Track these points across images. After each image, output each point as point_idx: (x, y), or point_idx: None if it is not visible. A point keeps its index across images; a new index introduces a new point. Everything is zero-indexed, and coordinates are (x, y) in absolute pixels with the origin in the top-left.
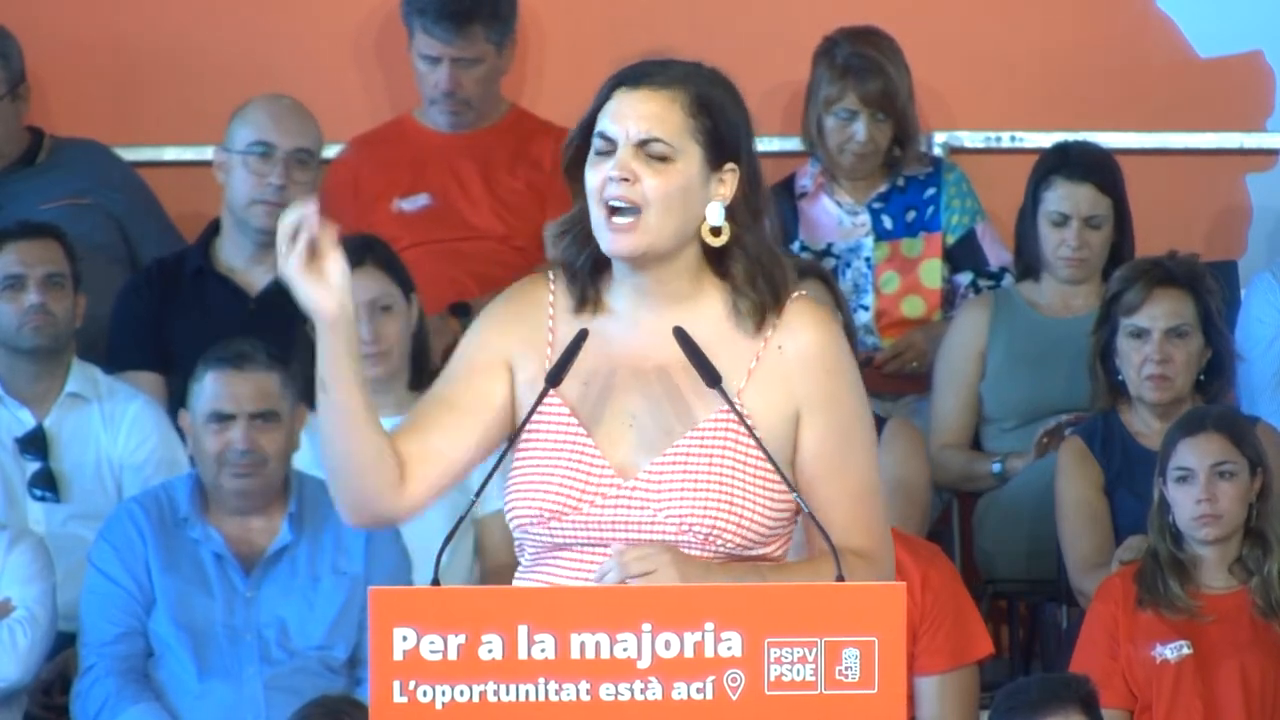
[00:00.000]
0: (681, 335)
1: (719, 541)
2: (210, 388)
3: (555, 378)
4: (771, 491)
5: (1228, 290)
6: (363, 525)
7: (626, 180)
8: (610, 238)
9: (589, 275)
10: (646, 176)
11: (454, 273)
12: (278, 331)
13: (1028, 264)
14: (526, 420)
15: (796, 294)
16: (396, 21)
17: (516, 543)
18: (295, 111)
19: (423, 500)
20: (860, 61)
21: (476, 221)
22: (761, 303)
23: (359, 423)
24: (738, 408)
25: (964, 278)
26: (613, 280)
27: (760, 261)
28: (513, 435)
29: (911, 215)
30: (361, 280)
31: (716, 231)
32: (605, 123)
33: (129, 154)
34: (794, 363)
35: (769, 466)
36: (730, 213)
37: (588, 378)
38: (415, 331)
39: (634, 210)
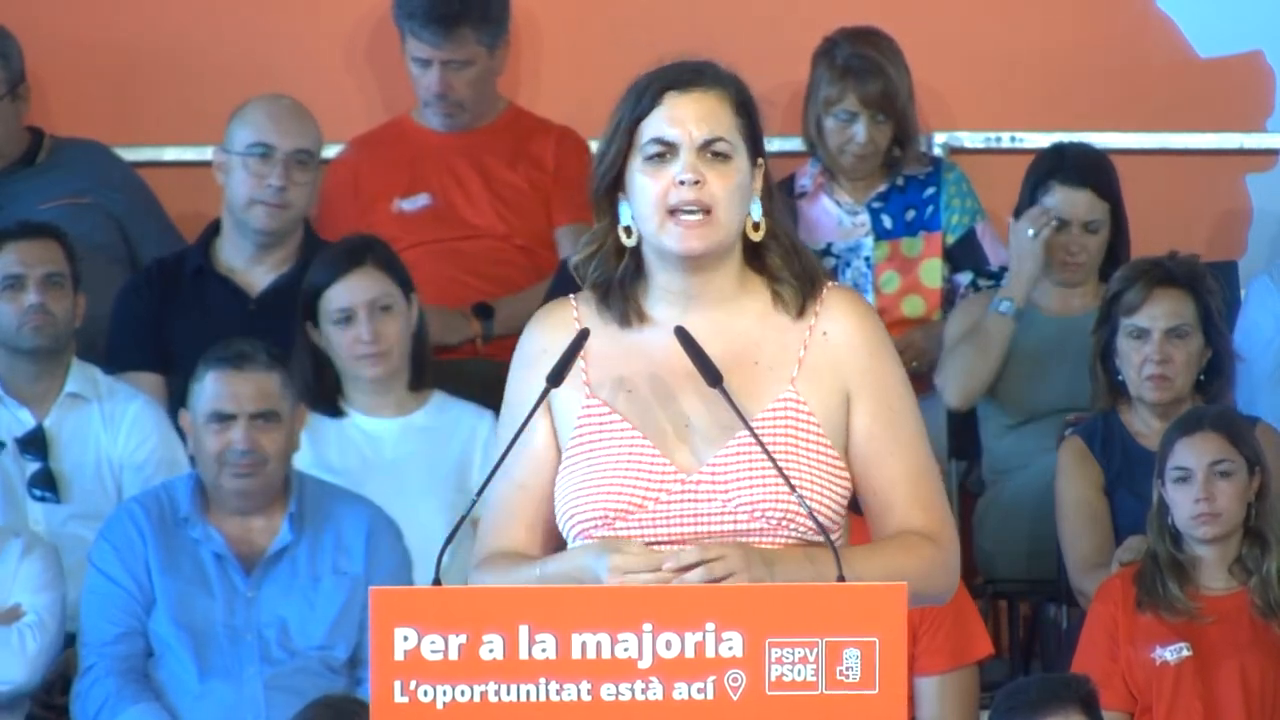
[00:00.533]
0: (682, 334)
1: (790, 527)
2: (211, 388)
3: (556, 378)
4: (834, 476)
5: (1228, 291)
6: None
7: (698, 183)
8: (681, 235)
9: (625, 289)
10: (712, 178)
11: (455, 272)
12: (278, 332)
13: None
14: (581, 432)
15: (831, 283)
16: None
17: (570, 548)
18: (294, 112)
19: None
20: (860, 63)
21: (477, 221)
22: (802, 288)
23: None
24: (794, 401)
25: (964, 277)
26: (649, 290)
27: (794, 249)
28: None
29: (911, 215)
30: (361, 280)
31: (757, 226)
32: (661, 127)
33: (129, 154)
34: (841, 348)
35: (829, 452)
36: (763, 207)
37: (631, 385)
38: (415, 331)
39: (704, 210)
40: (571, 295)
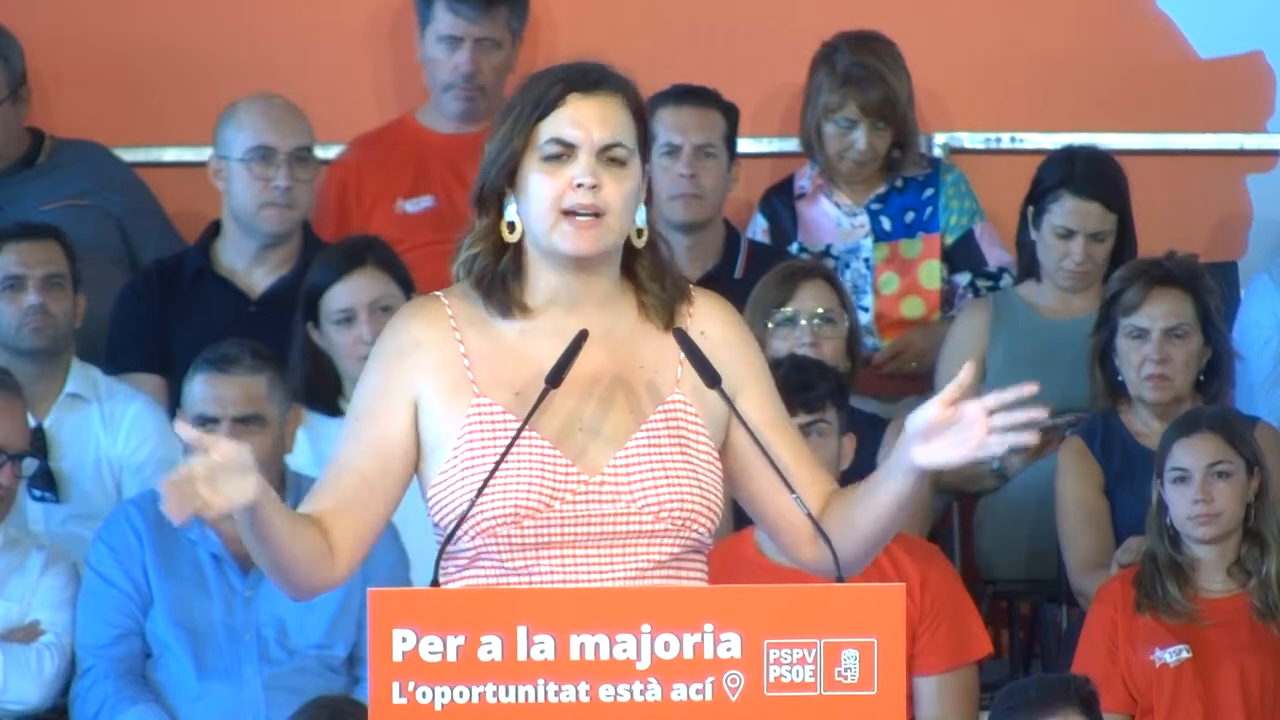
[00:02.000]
0: (682, 336)
1: (693, 527)
2: (197, 390)
3: (556, 378)
4: (719, 477)
5: (1228, 291)
6: (303, 599)
7: (595, 186)
8: (573, 235)
9: (505, 284)
10: (608, 181)
11: None
12: (278, 332)
13: (1028, 265)
14: (525, 422)
15: (692, 288)
16: (397, 21)
17: (454, 548)
18: (289, 110)
19: (355, 565)
20: (861, 71)
21: None
22: (670, 299)
23: (285, 537)
24: (682, 404)
25: (962, 278)
26: (529, 286)
27: (661, 256)
28: (456, 448)
29: (910, 216)
30: (362, 280)
31: (640, 232)
32: (562, 128)
33: (129, 154)
34: (718, 346)
35: (714, 453)
36: (646, 213)
37: (519, 387)
38: None
39: (595, 214)
40: (439, 292)
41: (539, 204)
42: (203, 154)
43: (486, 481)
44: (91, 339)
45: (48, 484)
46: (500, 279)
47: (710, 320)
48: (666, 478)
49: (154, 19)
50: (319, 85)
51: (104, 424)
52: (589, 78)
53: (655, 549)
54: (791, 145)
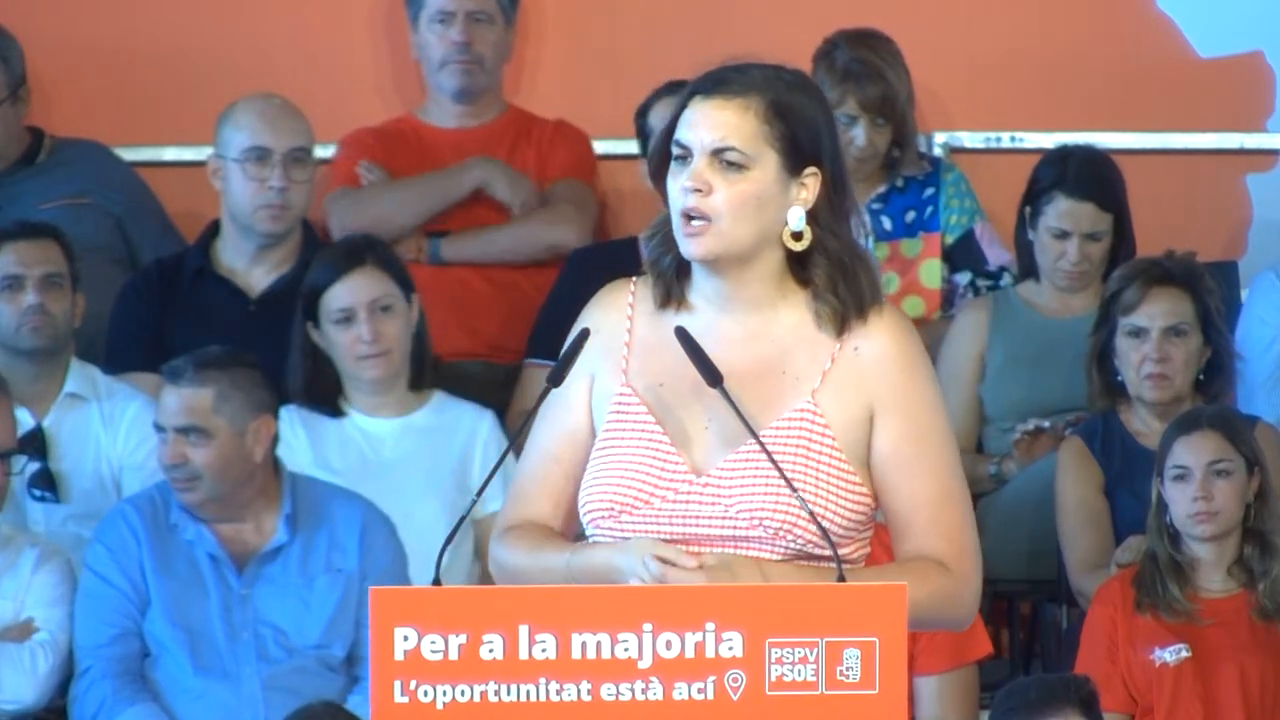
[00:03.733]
0: (682, 334)
1: (789, 537)
2: (159, 399)
3: (556, 377)
4: (846, 490)
5: (1228, 291)
6: None
7: (700, 191)
8: (684, 242)
9: (674, 275)
10: (720, 186)
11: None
12: (277, 332)
13: (1027, 265)
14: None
15: (883, 305)
16: (397, 21)
17: (590, 540)
18: (286, 111)
19: None
20: (860, 67)
21: (486, 212)
22: (843, 308)
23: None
24: (810, 412)
25: (962, 277)
26: (693, 282)
27: (843, 266)
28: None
29: (910, 216)
30: (361, 280)
31: (798, 236)
32: (682, 131)
33: (129, 154)
34: (869, 363)
35: (844, 466)
36: (812, 216)
37: (664, 379)
38: (416, 331)
39: (704, 219)
40: (634, 278)
41: (671, 205)
42: (203, 154)
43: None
44: (91, 338)
45: (47, 484)
46: (669, 270)
47: (872, 338)
48: (767, 483)
49: (154, 19)
50: (319, 85)
51: (103, 424)
52: (712, 80)
53: (754, 553)
54: None
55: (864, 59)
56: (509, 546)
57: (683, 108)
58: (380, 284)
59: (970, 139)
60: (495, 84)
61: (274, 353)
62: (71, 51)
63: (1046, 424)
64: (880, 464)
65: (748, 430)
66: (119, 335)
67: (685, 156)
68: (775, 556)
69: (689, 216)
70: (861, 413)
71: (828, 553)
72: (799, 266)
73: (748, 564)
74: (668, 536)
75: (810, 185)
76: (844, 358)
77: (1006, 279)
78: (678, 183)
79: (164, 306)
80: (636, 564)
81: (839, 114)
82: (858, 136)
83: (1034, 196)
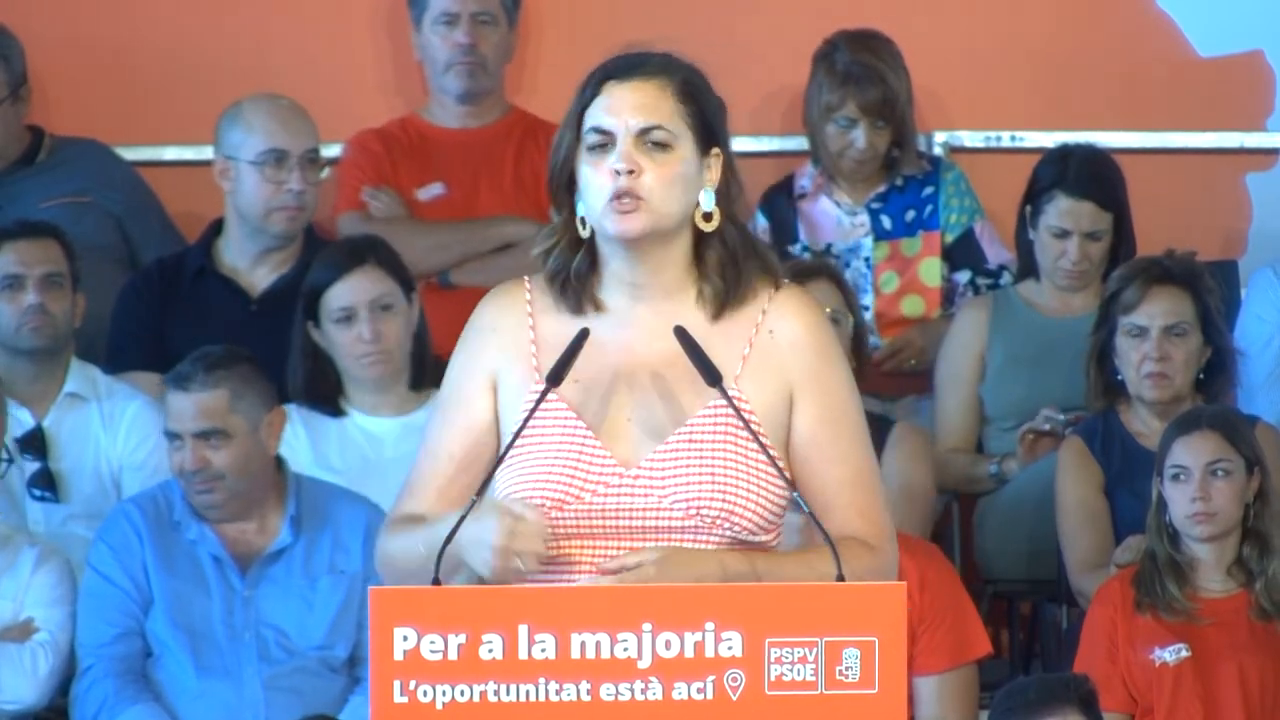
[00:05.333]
0: (682, 334)
1: (725, 525)
2: (166, 406)
3: (556, 377)
4: (770, 478)
5: (1227, 290)
6: None
7: (632, 172)
8: (616, 219)
9: (588, 277)
10: (648, 166)
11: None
12: (279, 332)
13: (1027, 264)
14: (527, 419)
15: (784, 282)
16: (398, 21)
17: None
18: (297, 112)
19: None
20: (860, 70)
21: (491, 209)
22: (725, 289)
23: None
24: (736, 400)
25: (962, 276)
26: (603, 281)
27: (734, 250)
28: (515, 434)
29: (910, 215)
30: (362, 279)
31: (708, 217)
32: (600, 117)
33: (129, 154)
34: (784, 347)
35: (770, 451)
36: (716, 199)
37: (579, 376)
38: (416, 331)
39: (636, 199)
40: (526, 278)
41: (590, 194)
42: (203, 153)
43: (490, 473)
44: (91, 338)
45: (47, 484)
46: (575, 274)
47: (784, 319)
48: (700, 473)
49: (154, 19)
50: (319, 85)
51: (103, 423)
52: (625, 64)
53: (691, 544)
54: (791, 145)
55: (864, 61)
56: (386, 537)
57: (593, 95)
58: (381, 283)
59: (970, 139)
60: (498, 85)
61: (275, 353)
62: (71, 51)
63: (1060, 416)
64: (800, 447)
65: (675, 420)
66: (120, 334)
67: (606, 143)
68: (714, 544)
69: (620, 197)
70: (782, 396)
71: (759, 539)
72: (696, 250)
73: (695, 554)
74: (601, 531)
75: (714, 167)
76: (760, 342)
77: (1006, 278)
78: (603, 167)
79: (165, 306)
80: (492, 528)
81: (839, 116)
82: (857, 139)
83: (1034, 195)
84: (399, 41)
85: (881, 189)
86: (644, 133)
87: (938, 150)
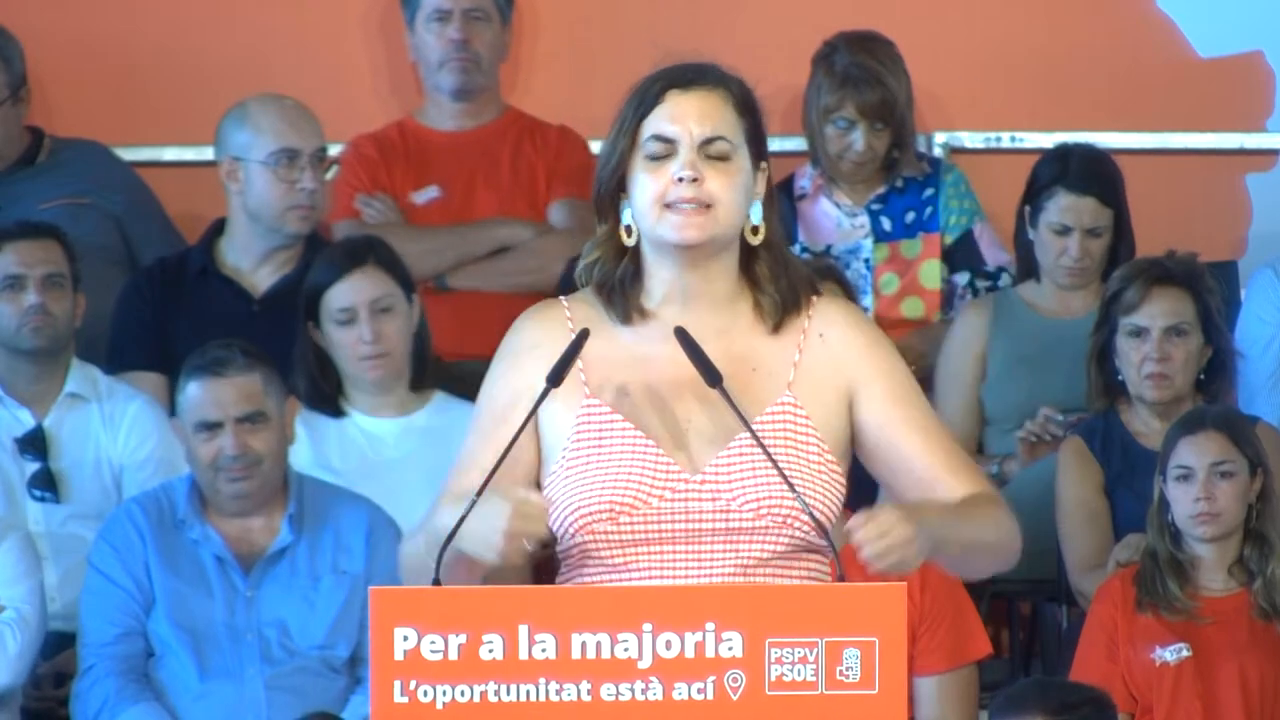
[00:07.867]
0: (682, 335)
1: (794, 526)
2: (194, 396)
3: (556, 377)
4: (832, 479)
5: (1227, 291)
6: None
7: (696, 180)
8: (679, 224)
9: (625, 288)
10: (710, 176)
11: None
12: (280, 332)
13: (1027, 265)
14: (579, 430)
15: (820, 294)
16: (395, 20)
17: (564, 546)
18: (304, 112)
19: None
20: (859, 72)
21: (486, 212)
22: (782, 301)
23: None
24: (791, 405)
25: (961, 277)
26: (648, 290)
27: (784, 260)
28: (568, 446)
29: (910, 216)
30: (362, 280)
31: (755, 230)
32: (662, 124)
33: (129, 154)
34: (838, 346)
35: (828, 456)
36: (763, 211)
37: (631, 388)
38: (417, 331)
39: (702, 205)
40: (562, 297)
41: (644, 201)
42: (203, 154)
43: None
44: (91, 338)
45: (47, 484)
46: (620, 284)
47: (832, 324)
48: (765, 477)
49: (154, 19)
50: (318, 85)
51: (104, 423)
52: (687, 74)
53: (759, 546)
54: (791, 145)
55: (863, 64)
56: (403, 543)
57: (654, 103)
58: (381, 284)
59: (970, 139)
60: (493, 84)
61: (277, 353)
62: (71, 51)
63: (1060, 416)
64: (875, 431)
65: (742, 424)
66: (120, 334)
67: (666, 151)
68: (783, 546)
69: (687, 203)
70: (837, 399)
71: (822, 543)
72: (743, 263)
73: (911, 511)
74: (670, 534)
75: (761, 181)
76: (810, 347)
77: (1006, 279)
78: (661, 176)
79: (166, 306)
80: (496, 513)
81: (838, 118)
82: (856, 141)
83: (1034, 194)
84: (395, 43)
85: (881, 190)
86: (707, 143)
87: (938, 151)
